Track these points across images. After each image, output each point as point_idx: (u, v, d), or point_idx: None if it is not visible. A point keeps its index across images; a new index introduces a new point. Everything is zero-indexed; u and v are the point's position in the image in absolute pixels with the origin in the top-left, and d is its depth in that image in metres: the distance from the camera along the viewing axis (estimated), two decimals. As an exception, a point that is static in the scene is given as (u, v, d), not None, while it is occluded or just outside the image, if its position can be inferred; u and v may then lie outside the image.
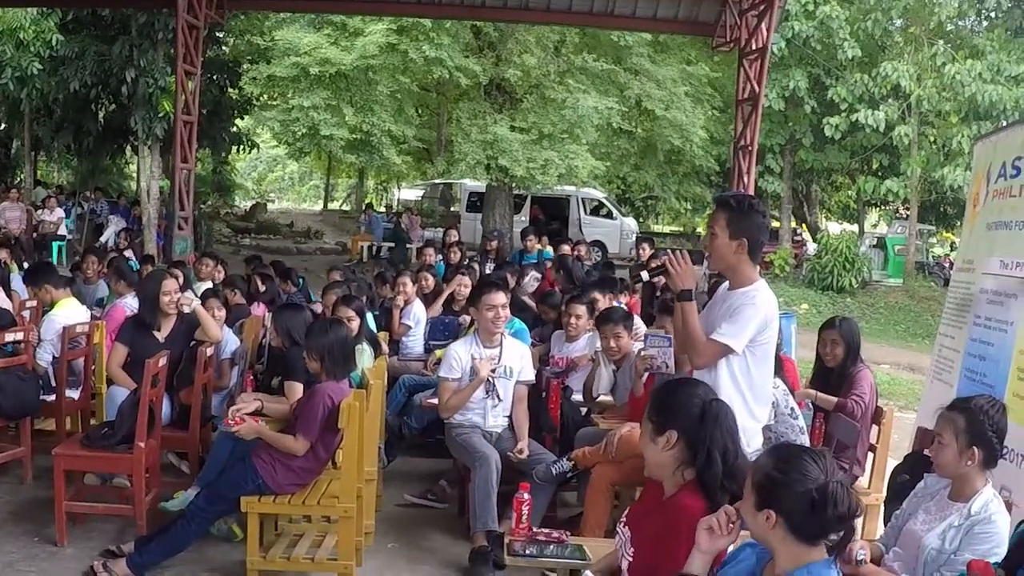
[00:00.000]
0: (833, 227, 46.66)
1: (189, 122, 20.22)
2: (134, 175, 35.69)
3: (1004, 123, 29.43)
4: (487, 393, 8.15)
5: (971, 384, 7.39)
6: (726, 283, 5.91)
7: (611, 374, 8.81)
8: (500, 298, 8.21)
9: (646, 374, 7.82)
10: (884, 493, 7.17)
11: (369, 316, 10.77)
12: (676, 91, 27.66)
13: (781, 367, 7.49)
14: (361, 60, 24.75)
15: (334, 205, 66.30)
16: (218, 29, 27.41)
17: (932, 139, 32.29)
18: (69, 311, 9.64)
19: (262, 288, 13.23)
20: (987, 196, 7.84)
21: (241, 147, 33.16)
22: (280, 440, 6.90)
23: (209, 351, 8.87)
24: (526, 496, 5.14)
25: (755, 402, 5.75)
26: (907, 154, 32.22)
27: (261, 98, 30.15)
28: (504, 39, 26.05)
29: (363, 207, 44.73)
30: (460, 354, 8.20)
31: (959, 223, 46.92)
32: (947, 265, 37.08)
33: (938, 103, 30.83)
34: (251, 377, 9.02)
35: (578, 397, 9.21)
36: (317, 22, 27.70)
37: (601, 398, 8.88)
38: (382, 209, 46.04)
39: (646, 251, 16.54)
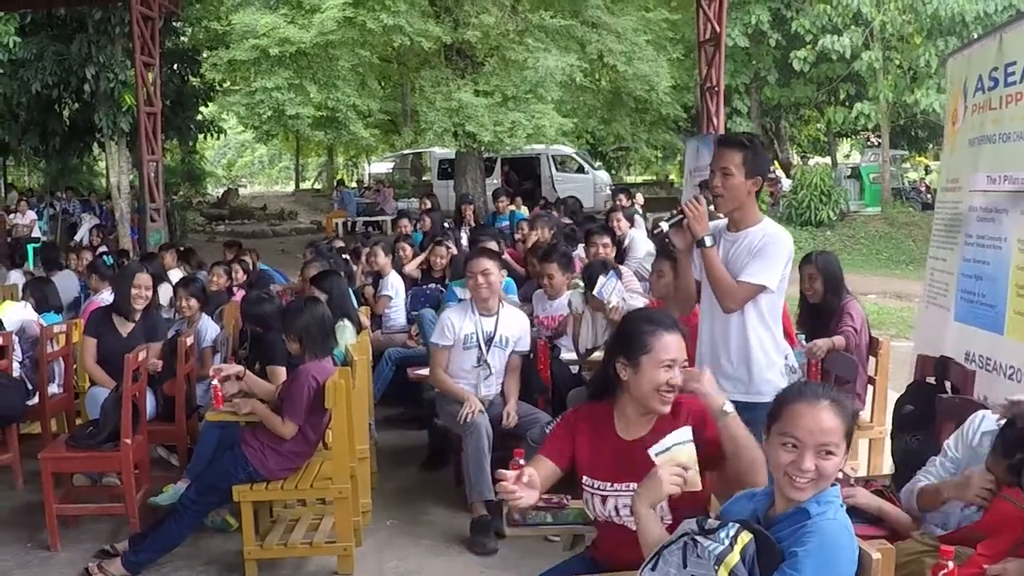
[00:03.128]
0: (813, 160, 46.39)
1: (152, 113, 20.05)
2: (104, 172, 35.44)
3: (972, 37, 29.41)
4: (478, 362, 8.04)
5: (969, 306, 7.29)
6: (720, 224, 5.78)
7: (592, 327, 8.71)
8: (482, 264, 8.04)
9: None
10: (887, 426, 7.04)
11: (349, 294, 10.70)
12: (637, 41, 27.41)
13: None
14: (320, 36, 24.55)
15: (306, 185, 66.04)
16: (175, 19, 27.29)
17: (898, 63, 32.19)
18: (11, 314, 9.46)
19: (241, 275, 13.09)
20: (966, 112, 7.68)
21: (208, 134, 33.07)
22: (270, 419, 6.80)
23: (189, 340, 8.74)
24: (521, 462, 5.00)
25: (780, 335, 5.80)
26: (874, 80, 32.06)
27: (224, 84, 29.93)
28: (460, 2, 25.84)
29: (335, 184, 44.56)
30: (453, 320, 8.07)
31: (931, 146, 47.11)
32: (923, 189, 37.25)
33: (900, 26, 30.70)
34: (233, 362, 8.88)
35: (570, 355, 9.06)
36: (273, 2, 27.46)
37: (593, 356, 8.69)
38: (353, 184, 45.93)
39: (623, 201, 16.37)
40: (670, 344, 4.19)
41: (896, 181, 37.10)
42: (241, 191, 58.01)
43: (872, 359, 8.02)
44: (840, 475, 3.74)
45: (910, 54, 31.44)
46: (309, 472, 6.96)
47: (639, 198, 16.88)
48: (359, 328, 9.28)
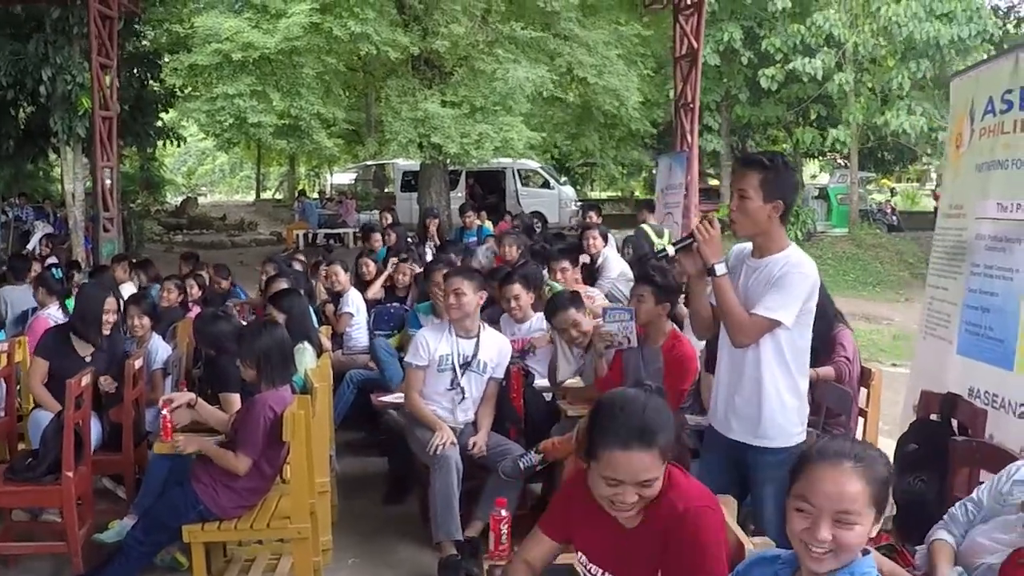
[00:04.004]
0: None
1: (108, 118, 19.52)
2: (59, 178, 34.87)
3: (946, 61, 29.43)
4: (452, 385, 7.60)
5: (975, 339, 6.84)
6: (743, 248, 5.37)
7: (571, 356, 8.19)
8: (454, 283, 7.65)
9: (609, 351, 7.34)
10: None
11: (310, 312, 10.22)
12: (608, 55, 26.99)
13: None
14: (285, 42, 23.89)
15: (268, 195, 65.51)
16: (136, 21, 26.77)
17: (869, 85, 32.13)
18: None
19: (196, 289, 12.59)
20: (972, 135, 7.24)
21: (167, 141, 32.51)
22: (221, 457, 6.26)
23: (137, 363, 8.20)
24: (504, 513, 4.49)
25: (799, 376, 5.26)
26: (844, 102, 31.96)
27: (185, 89, 29.32)
28: (429, 11, 25.31)
29: (296, 194, 44.09)
30: (429, 339, 7.65)
31: (897, 168, 47.28)
32: (888, 211, 37.20)
33: (873, 48, 30.67)
34: (185, 388, 8.37)
35: (543, 382, 8.57)
36: (237, 5, 26.91)
37: (568, 383, 8.22)
38: (315, 195, 45.51)
39: (593, 217, 15.93)
40: (617, 463, 3.51)
41: (863, 203, 37.04)
42: (201, 200, 57.64)
43: (863, 390, 7.57)
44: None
45: (882, 76, 31.47)
46: (266, 509, 6.45)
47: (593, 216, 16.33)
48: (320, 351, 8.75)
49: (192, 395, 6.82)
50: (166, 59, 27.92)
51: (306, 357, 8.12)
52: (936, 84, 31.22)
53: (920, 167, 47.77)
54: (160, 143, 33.37)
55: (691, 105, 19.91)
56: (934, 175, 46.60)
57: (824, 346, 7.60)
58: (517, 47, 26.03)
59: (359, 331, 11.43)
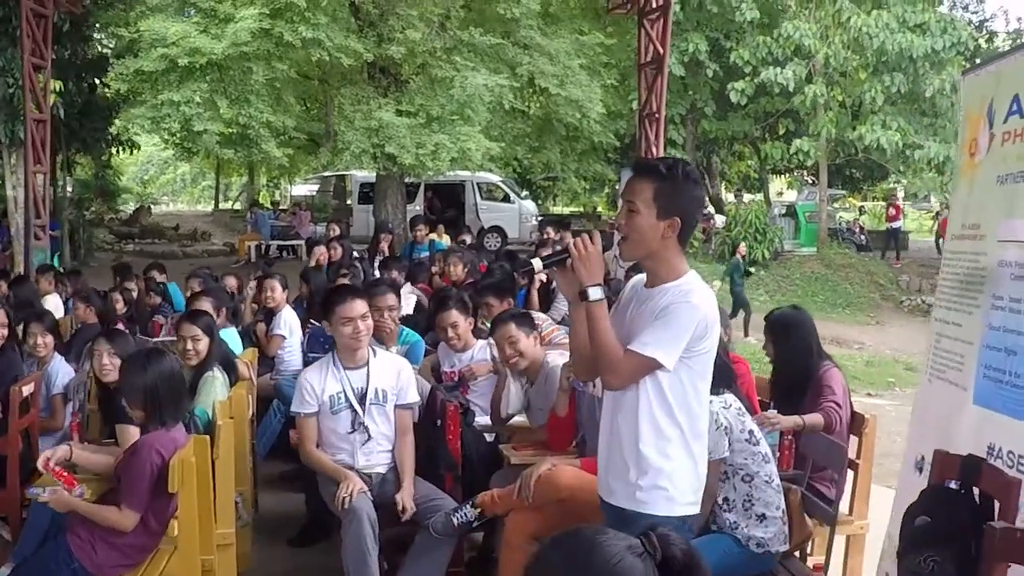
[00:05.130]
0: (747, 197, 45.81)
1: (41, 121, 18.49)
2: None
3: (919, 73, 29.03)
4: (353, 427, 6.61)
5: (996, 387, 5.42)
6: (641, 277, 4.46)
7: (521, 389, 7.16)
8: (358, 308, 6.63)
9: (569, 386, 6.36)
10: (870, 520, 5.73)
11: (231, 332, 9.25)
12: (571, 64, 26.47)
13: (733, 376, 5.93)
14: (233, 48, 23.15)
15: (230, 205, 64.68)
16: (85, 25, 26.11)
17: (840, 99, 31.54)
18: None
19: (121, 305, 11.64)
20: (992, 141, 5.97)
21: (120, 149, 31.90)
22: (100, 514, 5.37)
23: (26, 389, 7.26)
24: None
25: (692, 433, 4.27)
26: (813, 116, 31.39)
27: (135, 95, 28.43)
28: (385, 16, 24.64)
29: (250, 205, 43.32)
30: (312, 381, 6.66)
31: (866, 186, 46.80)
32: (857, 230, 36.74)
33: (845, 60, 30.14)
34: (77, 419, 7.42)
35: (484, 419, 7.57)
36: (186, 10, 26.16)
37: (514, 420, 7.28)
38: (269, 206, 44.73)
39: (551, 234, 14.90)
40: None
41: (832, 221, 36.73)
42: (162, 209, 57.61)
43: (853, 438, 6.62)
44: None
45: (854, 90, 30.94)
46: (153, 568, 5.55)
47: (550, 232, 15.24)
48: (235, 378, 7.74)
49: (67, 449, 5.87)
50: (112, 63, 27.14)
51: (216, 387, 7.13)
52: (910, 99, 30.71)
53: (887, 185, 47.27)
54: (113, 150, 32.73)
55: (656, 115, 19.03)
56: (900, 193, 46.04)
57: (811, 388, 6.67)
58: (476, 55, 25.51)
59: (291, 353, 10.50)
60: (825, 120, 30.64)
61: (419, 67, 25.81)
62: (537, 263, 4.43)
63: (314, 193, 47.76)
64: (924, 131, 30.17)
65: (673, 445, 4.22)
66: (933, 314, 6.36)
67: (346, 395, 6.60)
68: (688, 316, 4.10)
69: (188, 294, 11.13)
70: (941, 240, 31.67)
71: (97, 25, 27.48)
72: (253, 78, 24.20)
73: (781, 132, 34.15)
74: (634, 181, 4.26)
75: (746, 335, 21.52)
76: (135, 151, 34.91)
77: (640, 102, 19.99)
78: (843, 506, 6.44)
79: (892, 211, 34.99)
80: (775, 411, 6.50)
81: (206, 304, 8.94)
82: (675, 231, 4.17)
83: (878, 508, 6.25)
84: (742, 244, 25.35)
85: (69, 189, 44.32)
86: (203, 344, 7.24)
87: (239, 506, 6.80)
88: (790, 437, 6.40)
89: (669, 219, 4.14)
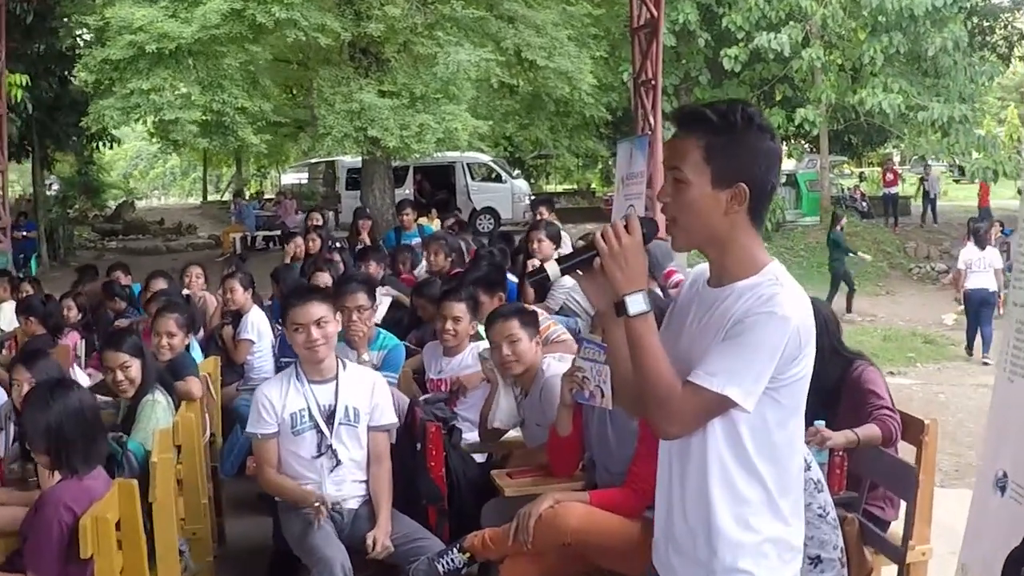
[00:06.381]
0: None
1: (-6, 116, 17.36)
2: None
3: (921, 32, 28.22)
4: (319, 450, 5.61)
5: None
6: (702, 270, 3.20)
7: (514, 400, 6.09)
8: (312, 312, 5.61)
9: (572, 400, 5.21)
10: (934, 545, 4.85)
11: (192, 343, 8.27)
12: (558, 36, 25.57)
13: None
14: (203, 31, 22.16)
15: (220, 196, 64.05)
16: (51, 16, 25.36)
17: (839, 62, 30.58)
18: None
19: (75, 312, 10.65)
20: None
21: (99, 144, 31.56)
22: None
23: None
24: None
25: (779, 490, 3.03)
26: (811, 82, 30.57)
27: (107, 86, 27.57)
28: (363, -8, 23.65)
29: (233, 196, 42.57)
30: (271, 397, 5.65)
31: (866, 152, 45.99)
32: (858, 197, 36.05)
33: (843, 22, 29.06)
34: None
35: (474, 435, 6.53)
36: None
37: (509, 435, 6.26)
38: (253, 196, 44.04)
39: (544, 214, 13.69)
40: None
41: (833, 189, 35.94)
42: (153, 203, 57.36)
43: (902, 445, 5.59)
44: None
45: (852, 52, 29.90)
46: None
47: (544, 212, 13.92)
48: (179, 400, 6.65)
49: None
50: (78, 54, 26.50)
51: (156, 413, 6.08)
52: (911, 59, 29.83)
53: (884, 151, 46.51)
54: (92, 146, 32.30)
55: (652, 82, 18.03)
56: (897, 158, 45.28)
57: (846, 393, 5.61)
58: (459, 29, 24.63)
59: (261, 358, 9.51)
60: (824, 85, 29.80)
61: (401, 45, 24.95)
62: (553, 269, 3.12)
63: (305, 181, 46.89)
64: (927, 92, 29.25)
65: (755, 510, 3.03)
66: (1011, 298, 5.28)
67: (311, 413, 5.62)
68: (774, 332, 2.89)
69: (147, 295, 10.09)
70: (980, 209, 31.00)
71: (64, 17, 26.55)
72: (226, 62, 23.34)
73: (778, 99, 33.16)
74: (676, 140, 3.06)
75: (848, 311, 20.97)
76: (116, 145, 34.37)
77: (634, 70, 19.07)
78: (897, 528, 5.44)
79: (889, 176, 34.31)
80: (822, 423, 5.36)
81: (171, 324, 7.83)
82: (742, 203, 2.96)
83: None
84: (843, 216, 23.86)
85: (56, 187, 43.93)
86: (135, 369, 6.16)
87: (185, 555, 5.77)
88: (841, 454, 5.22)
89: (732, 187, 2.94)
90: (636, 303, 2.91)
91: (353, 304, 7.12)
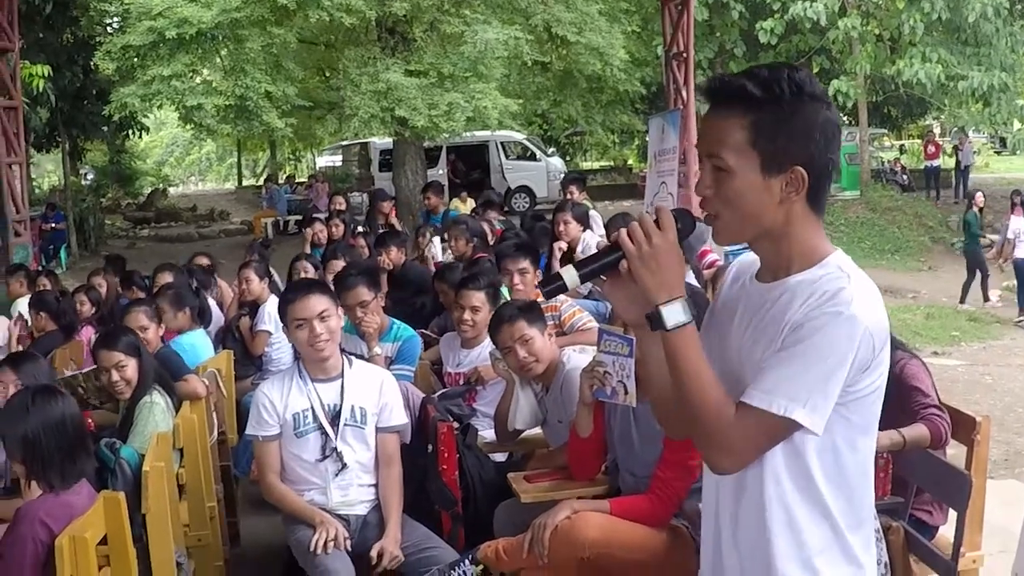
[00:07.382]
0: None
1: (11, 108, 16.98)
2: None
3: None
4: (322, 454, 5.27)
5: None
6: (747, 261, 2.76)
7: (534, 398, 5.66)
8: (313, 306, 5.25)
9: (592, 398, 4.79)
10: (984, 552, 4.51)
11: (198, 334, 7.90)
12: (588, 11, 25.12)
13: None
14: (223, 15, 21.96)
15: (256, 181, 64.17)
16: (73, 5, 25.55)
17: (877, 32, 29.94)
18: None
19: (88, 306, 10.30)
20: None
21: (131, 132, 31.66)
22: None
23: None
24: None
25: (849, 524, 2.57)
26: (848, 53, 30.02)
27: (126, 74, 27.48)
28: (387, -30, 23.36)
29: (265, 180, 42.44)
30: (272, 396, 5.32)
31: (906, 123, 45.46)
32: (899, 170, 35.66)
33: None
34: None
35: (489, 433, 6.12)
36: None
37: (528, 432, 5.84)
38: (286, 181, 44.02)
39: (575, 193, 13.09)
40: None
41: (873, 162, 35.58)
42: (190, 189, 57.94)
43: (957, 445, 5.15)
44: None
45: (890, 21, 29.17)
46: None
47: (574, 192, 13.20)
48: (180, 401, 6.29)
49: None
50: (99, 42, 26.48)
51: (155, 415, 5.74)
52: (950, 27, 29.09)
53: (924, 122, 45.95)
54: (123, 134, 32.54)
55: (684, 55, 17.70)
56: (937, 130, 44.69)
57: (890, 390, 5.17)
58: (487, 7, 24.29)
59: (280, 350, 9.19)
60: (862, 56, 29.21)
61: (428, 24, 24.61)
62: (570, 275, 2.61)
63: (338, 164, 46.71)
64: (967, 61, 28.56)
65: (823, 552, 2.56)
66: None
67: (314, 413, 5.29)
68: (842, 336, 2.40)
69: (155, 289, 9.74)
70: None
71: (84, 6, 26.49)
72: (248, 46, 23.09)
73: (816, 71, 32.66)
74: (713, 120, 2.57)
75: (986, 300, 20.09)
76: (145, 133, 34.49)
77: (665, 42, 18.81)
78: (947, 532, 5.02)
79: (932, 148, 33.75)
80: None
81: (141, 317, 7.44)
82: (800, 189, 2.50)
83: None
84: (979, 194, 22.48)
85: (90, 177, 43.97)
86: (131, 368, 5.83)
87: (183, 567, 5.42)
88: (885, 456, 4.70)
89: (786, 172, 2.49)
90: (674, 314, 2.48)
91: (355, 301, 6.72)
